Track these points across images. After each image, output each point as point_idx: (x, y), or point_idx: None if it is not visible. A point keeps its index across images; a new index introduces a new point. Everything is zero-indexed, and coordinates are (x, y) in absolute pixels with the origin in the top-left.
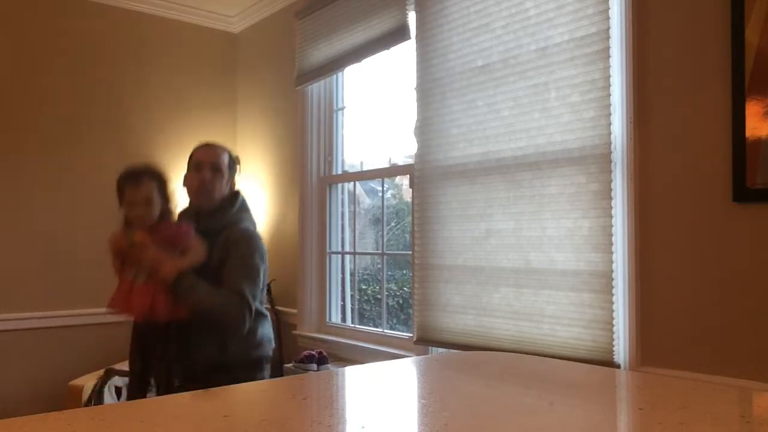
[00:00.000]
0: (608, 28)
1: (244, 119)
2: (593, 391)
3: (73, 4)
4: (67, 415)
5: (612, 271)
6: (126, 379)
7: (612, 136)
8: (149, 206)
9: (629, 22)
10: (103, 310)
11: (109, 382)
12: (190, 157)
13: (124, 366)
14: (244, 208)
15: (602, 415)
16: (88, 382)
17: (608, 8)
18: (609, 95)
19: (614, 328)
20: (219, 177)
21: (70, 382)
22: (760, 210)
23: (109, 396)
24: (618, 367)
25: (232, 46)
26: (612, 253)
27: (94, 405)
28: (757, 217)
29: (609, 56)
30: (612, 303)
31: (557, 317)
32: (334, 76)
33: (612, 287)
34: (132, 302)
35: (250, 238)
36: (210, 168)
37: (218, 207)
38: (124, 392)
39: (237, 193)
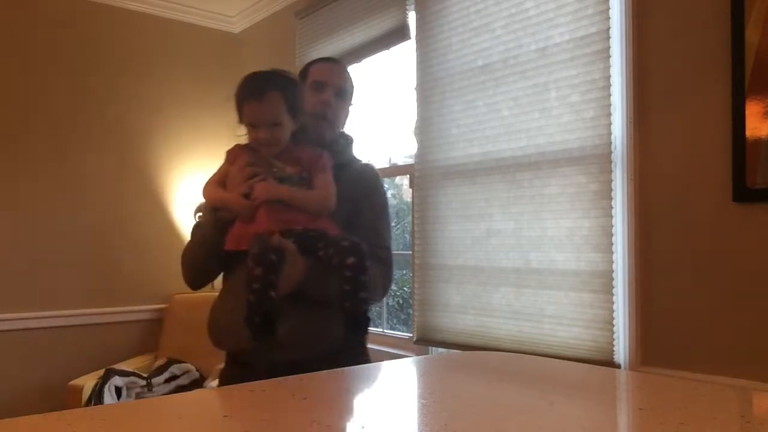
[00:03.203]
0: (608, 28)
1: None
2: (593, 391)
3: (73, 4)
4: (67, 415)
5: (612, 271)
6: (126, 379)
7: (612, 136)
8: (276, 127)
9: (629, 22)
10: (104, 310)
11: (109, 382)
12: (307, 73)
13: (124, 366)
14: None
15: (602, 415)
16: (88, 382)
17: (608, 8)
18: (609, 95)
19: (614, 328)
20: (344, 103)
21: (70, 382)
22: (760, 210)
23: (109, 396)
24: (618, 367)
25: (232, 46)
26: (612, 253)
27: (94, 405)
28: (757, 217)
29: (609, 56)
30: (612, 303)
31: (557, 317)
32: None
33: (612, 287)
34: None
35: (380, 178)
36: (335, 92)
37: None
38: (125, 392)
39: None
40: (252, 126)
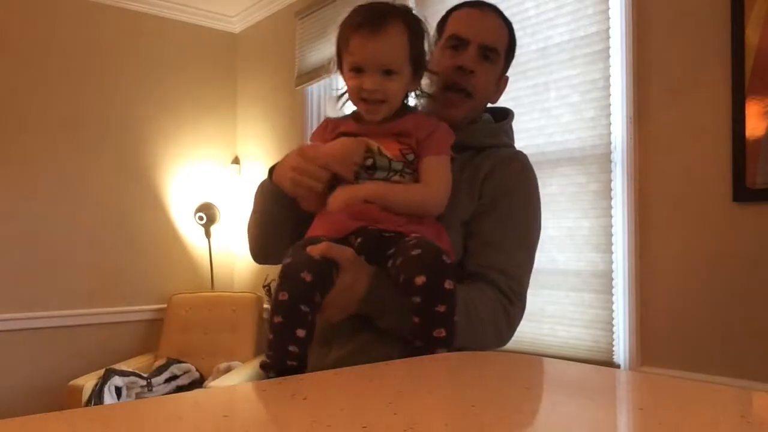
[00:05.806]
0: (608, 28)
1: (244, 119)
2: (593, 391)
3: (73, 3)
4: (67, 415)
5: (612, 271)
6: (126, 379)
7: (612, 136)
8: (390, 77)
9: (629, 22)
10: (104, 310)
11: (109, 382)
12: (445, 25)
13: (124, 366)
14: (509, 126)
15: (602, 415)
16: (88, 382)
17: (608, 8)
18: (609, 95)
19: (614, 328)
20: (493, 68)
21: (70, 382)
22: (760, 210)
23: (109, 396)
24: (618, 367)
25: (232, 46)
26: (612, 253)
27: (94, 405)
28: (757, 217)
29: (609, 56)
30: (612, 303)
31: (557, 317)
32: (334, 76)
33: (612, 287)
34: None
35: (529, 173)
36: (481, 52)
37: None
38: (125, 392)
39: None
40: (356, 70)
